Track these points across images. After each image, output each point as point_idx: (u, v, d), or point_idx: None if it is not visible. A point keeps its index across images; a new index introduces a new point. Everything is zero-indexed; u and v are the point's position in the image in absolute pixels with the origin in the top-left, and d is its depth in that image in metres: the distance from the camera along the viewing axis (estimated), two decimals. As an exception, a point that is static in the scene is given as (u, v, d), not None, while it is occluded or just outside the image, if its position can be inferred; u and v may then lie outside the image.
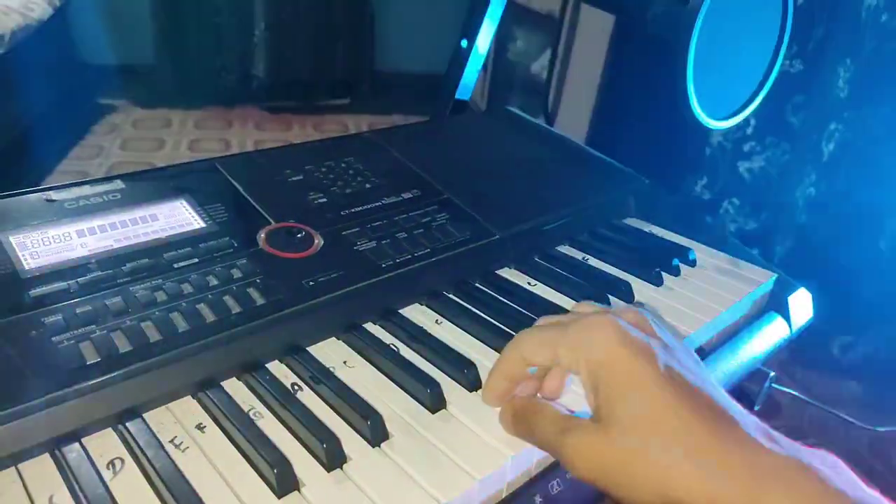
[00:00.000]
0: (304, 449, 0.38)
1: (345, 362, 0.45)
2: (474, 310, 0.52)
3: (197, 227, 0.52)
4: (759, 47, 0.67)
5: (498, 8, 0.82)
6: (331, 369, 0.44)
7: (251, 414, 0.40)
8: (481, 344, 0.48)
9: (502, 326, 0.49)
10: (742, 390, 0.63)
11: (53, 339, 0.40)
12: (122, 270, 0.46)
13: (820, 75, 1.37)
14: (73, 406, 0.37)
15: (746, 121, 1.45)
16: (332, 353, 0.46)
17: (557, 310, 0.53)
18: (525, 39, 2.15)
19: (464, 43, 0.83)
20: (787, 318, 0.61)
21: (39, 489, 0.35)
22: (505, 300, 0.54)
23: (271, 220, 0.54)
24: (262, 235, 0.52)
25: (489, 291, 0.55)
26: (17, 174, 1.82)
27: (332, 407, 0.41)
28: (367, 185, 0.62)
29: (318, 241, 0.53)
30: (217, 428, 0.39)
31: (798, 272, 0.65)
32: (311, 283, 0.48)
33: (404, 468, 0.37)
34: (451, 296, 0.54)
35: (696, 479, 0.30)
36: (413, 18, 2.63)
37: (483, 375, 0.44)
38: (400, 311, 0.52)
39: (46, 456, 0.36)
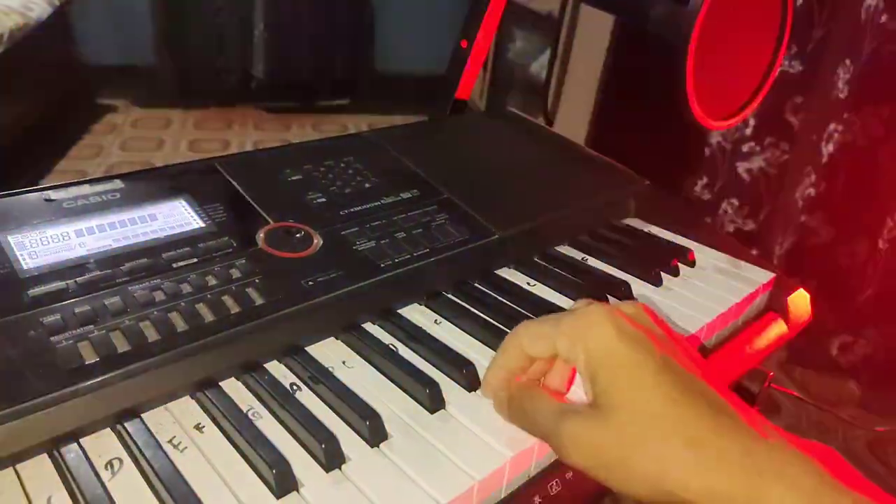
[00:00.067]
0: (302, 449, 0.38)
1: (344, 362, 0.45)
2: (473, 310, 0.52)
3: (196, 226, 0.52)
4: (759, 47, 0.67)
5: (497, 8, 0.82)
6: (330, 369, 0.44)
7: (250, 414, 0.40)
8: (480, 344, 0.48)
9: (501, 326, 0.49)
10: (741, 390, 0.63)
11: (52, 338, 0.40)
12: (121, 270, 0.46)
13: (819, 76, 1.37)
14: (71, 406, 0.37)
15: (746, 121, 1.45)
16: (330, 353, 0.46)
17: (557, 310, 0.52)
18: (525, 39, 2.15)
19: (463, 43, 0.83)
20: (785, 318, 0.61)
21: (37, 490, 0.34)
22: (504, 300, 0.54)
23: (270, 220, 0.54)
24: (261, 235, 0.52)
25: (488, 291, 0.55)
26: (16, 173, 1.82)
27: (330, 407, 0.41)
28: (367, 185, 0.62)
29: (317, 241, 0.53)
30: (216, 428, 0.39)
31: (797, 272, 0.65)
32: (309, 283, 0.48)
33: (403, 468, 0.37)
34: (450, 296, 0.54)
35: (694, 470, 0.30)
36: (412, 18, 2.63)
37: (482, 375, 0.44)
38: (399, 311, 0.51)
39: (44, 456, 0.36)
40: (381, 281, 0.51)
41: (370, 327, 0.49)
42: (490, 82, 2.36)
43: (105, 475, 0.35)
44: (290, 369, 0.44)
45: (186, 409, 0.40)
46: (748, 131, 1.48)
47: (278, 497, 0.35)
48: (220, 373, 0.43)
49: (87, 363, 0.39)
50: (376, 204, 0.59)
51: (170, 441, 0.38)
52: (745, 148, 1.49)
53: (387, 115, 2.53)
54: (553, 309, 0.53)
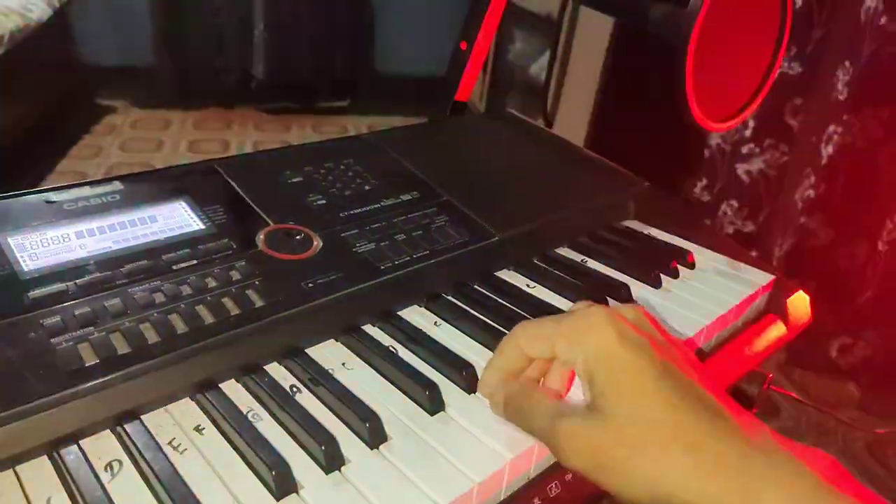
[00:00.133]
0: (302, 451, 0.38)
1: (343, 364, 0.45)
2: (473, 312, 0.52)
3: (196, 228, 0.52)
4: (759, 49, 0.67)
5: (497, 10, 0.82)
6: (329, 371, 0.44)
7: (249, 416, 0.40)
8: (480, 346, 0.48)
9: (501, 328, 0.49)
10: (740, 392, 0.63)
11: (52, 340, 0.40)
12: (121, 272, 0.46)
13: (819, 77, 1.37)
14: (71, 408, 0.37)
15: (745, 123, 1.45)
16: (330, 355, 0.46)
17: (556, 311, 0.53)
18: (524, 41, 2.15)
19: (463, 45, 0.83)
20: (785, 319, 0.61)
21: (37, 491, 0.34)
22: (504, 302, 0.54)
23: (270, 222, 0.54)
24: (261, 237, 0.52)
25: (488, 293, 0.55)
26: (17, 175, 1.82)
27: (330, 409, 0.41)
28: (366, 187, 0.62)
29: (317, 243, 0.53)
30: (215, 430, 0.39)
31: (796, 274, 0.65)
32: (309, 285, 0.48)
33: (403, 470, 0.37)
34: (449, 298, 0.54)
35: (692, 476, 0.30)
36: (412, 20, 2.63)
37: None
38: (399, 312, 0.52)
39: (44, 458, 0.36)
40: (381, 283, 0.51)
41: (370, 329, 0.49)
42: (490, 84, 2.36)
43: (105, 477, 0.35)
44: (290, 371, 0.44)
45: (186, 410, 0.41)
46: (748, 133, 1.48)
47: (278, 499, 0.35)
48: (219, 374, 0.43)
49: (87, 365, 0.39)
50: (376, 206, 0.59)
51: (169, 443, 0.38)
52: (744, 149, 1.49)
53: (387, 117, 2.53)
54: (553, 310, 0.53)
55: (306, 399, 0.42)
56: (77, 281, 0.44)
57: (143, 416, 0.39)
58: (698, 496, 0.30)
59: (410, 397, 0.43)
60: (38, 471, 0.36)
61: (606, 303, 0.54)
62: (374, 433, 0.39)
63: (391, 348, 0.47)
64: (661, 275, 0.59)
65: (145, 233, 0.51)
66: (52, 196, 0.53)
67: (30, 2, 1.89)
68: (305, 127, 2.55)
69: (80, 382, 0.38)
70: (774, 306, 0.62)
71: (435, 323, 0.51)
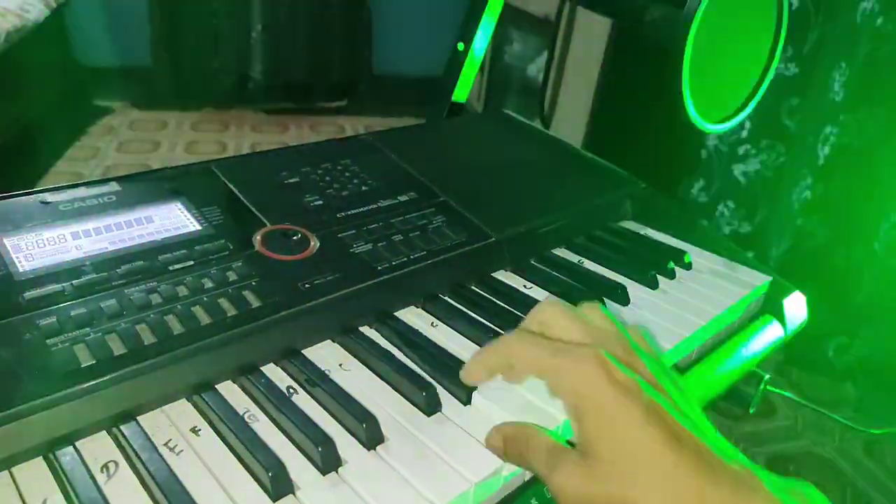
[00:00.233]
0: (299, 452, 0.38)
1: (340, 365, 0.45)
2: (470, 312, 0.52)
3: (192, 229, 0.52)
4: (755, 50, 0.68)
5: (495, 11, 0.83)
6: (326, 372, 0.44)
7: (246, 417, 0.40)
8: (477, 347, 0.48)
9: (498, 329, 0.49)
10: (737, 392, 0.63)
11: (48, 341, 0.40)
12: (117, 273, 0.46)
13: (815, 78, 1.38)
14: (67, 409, 0.37)
15: (742, 124, 1.45)
16: (327, 355, 0.46)
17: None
18: (522, 42, 2.16)
19: (460, 46, 0.83)
20: (782, 320, 0.61)
21: (33, 493, 0.34)
22: (501, 303, 0.54)
23: (267, 223, 0.54)
24: (258, 238, 0.52)
25: (485, 294, 0.55)
26: (13, 175, 1.82)
27: (327, 410, 0.41)
28: (364, 188, 0.62)
29: (314, 244, 0.53)
30: (212, 431, 0.39)
31: (793, 274, 0.65)
32: (306, 286, 0.48)
33: (399, 471, 0.37)
34: (447, 298, 0.54)
35: None
36: (410, 21, 2.64)
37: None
38: (396, 313, 0.51)
39: (40, 459, 0.36)
40: (378, 284, 0.51)
41: (367, 330, 0.49)
42: (487, 84, 2.37)
43: (101, 478, 0.35)
44: (287, 372, 0.44)
45: (183, 411, 0.40)
46: (744, 134, 1.48)
47: (274, 500, 0.35)
48: (216, 375, 0.43)
49: (83, 366, 0.39)
50: (373, 206, 0.59)
51: (166, 444, 0.38)
52: (741, 150, 1.50)
53: (384, 118, 2.54)
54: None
55: (303, 400, 0.42)
56: (73, 282, 0.44)
57: (139, 417, 0.39)
58: None
59: (407, 398, 0.43)
60: (34, 472, 0.36)
61: (603, 304, 0.54)
62: (370, 434, 0.39)
63: (388, 349, 0.47)
64: (658, 275, 0.59)
65: (142, 234, 0.51)
66: (49, 197, 0.52)
67: (27, 2, 1.89)
68: (303, 128, 2.55)
69: (76, 383, 0.38)
70: (771, 307, 0.62)
71: (432, 324, 0.51)
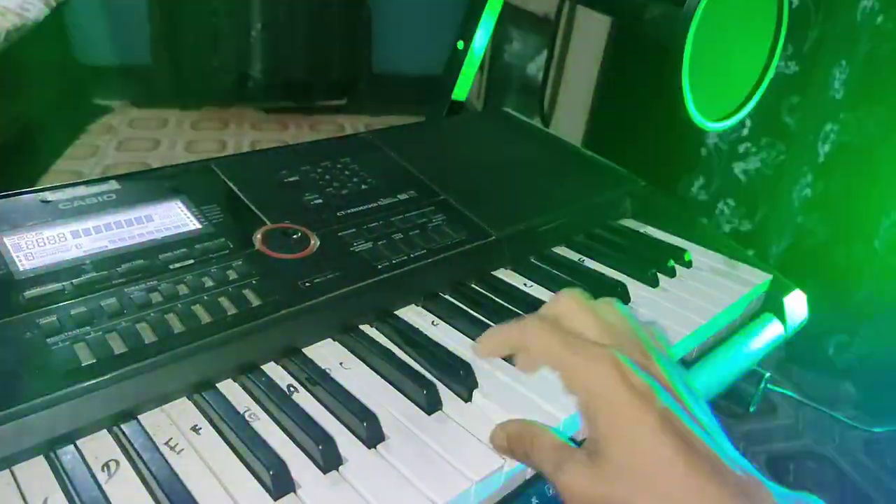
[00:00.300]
0: (299, 450, 0.38)
1: (341, 364, 0.45)
2: (470, 311, 0.52)
3: (192, 227, 0.52)
4: (755, 48, 0.68)
5: (494, 9, 0.83)
6: (327, 371, 0.44)
7: (247, 415, 0.40)
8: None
9: (498, 327, 0.49)
10: (737, 391, 0.63)
11: (48, 340, 0.40)
12: (117, 271, 0.46)
13: (815, 76, 1.38)
14: (67, 408, 0.37)
15: (742, 122, 1.45)
16: (328, 354, 0.46)
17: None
18: (521, 41, 2.15)
19: (460, 44, 0.83)
20: (782, 318, 0.61)
21: (34, 492, 0.34)
22: (501, 301, 0.54)
23: (267, 221, 0.54)
24: (258, 236, 0.52)
25: (485, 293, 0.55)
26: (13, 174, 1.82)
27: (327, 408, 0.41)
28: (364, 186, 0.62)
29: (314, 242, 0.53)
30: (212, 430, 0.39)
31: (793, 273, 0.65)
32: (306, 285, 0.48)
33: (400, 470, 0.37)
34: (447, 297, 0.54)
35: None
36: (410, 20, 2.63)
37: (479, 376, 0.44)
38: (396, 312, 0.52)
39: (41, 458, 0.36)
40: (379, 282, 0.51)
41: (367, 329, 0.49)
42: (487, 83, 2.37)
43: (102, 477, 0.35)
44: (287, 371, 0.44)
45: (183, 410, 0.40)
46: (744, 132, 1.48)
47: (275, 499, 0.35)
48: (216, 374, 0.43)
49: (83, 364, 0.39)
50: (373, 205, 0.59)
51: (166, 443, 0.38)
52: (741, 148, 1.49)
53: (384, 116, 2.53)
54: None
55: (304, 398, 0.42)
56: (73, 280, 0.44)
57: (139, 416, 0.39)
58: None
59: (408, 396, 0.43)
60: (35, 471, 0.36)
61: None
62: (371, 433, 0.39)
63: (388, 348, 0.47)
64: (658, 273, 0.59)
65: (142, 232, 0.50)
66: (49, 195, 0.52)
67: (27, 1, 1.89)
68: (302, 126, 2.55)
69: (77, 382, 0.38)
70: (772, 305, 0.62)
71: (432, 322, 0.51)
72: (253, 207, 0.56)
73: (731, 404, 0.63)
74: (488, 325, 0.49)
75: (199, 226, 0.52)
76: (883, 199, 1.35)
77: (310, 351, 0.46)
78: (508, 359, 0.46)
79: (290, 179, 0.61)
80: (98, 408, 0.38)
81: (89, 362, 0.39)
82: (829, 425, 1.38)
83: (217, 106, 2.55)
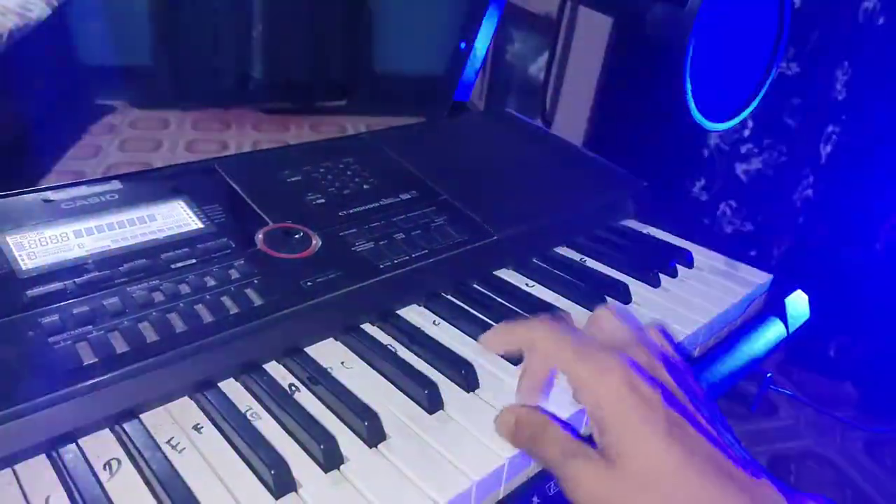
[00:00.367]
0: (301, 450, 0.38)
1: (342, 363, 0.45)
2: (472, 311, 0.52)
3: (195, 227, 0.52)
4: (757, 49, 0.68)
5: (496, 10, 0.83)
6: (328, 370, 0.44)
7: (248, 415, 0.40)
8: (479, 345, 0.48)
9: (500, 327, 0.49)
10: (739, 391, 0.63)
11: (50, 339, 0.40)
12: (120, 271, 0.46)
13: (817, 78, 1.38)
14: (69, 407, 0.37)
15: (744, 123, 1.45)
16: (329, 353, 0.46)
17: (555, 311, 0.53)
18: (523, 41, 2.15)
19: (462, 45, 0.83)
20: (783, 319, 0.61)
21: (36, 490, 0.34)
22: (503, 301, 0.54)
23: (269, 221, 0.54)
24: (260, 236, 0.52)
25: (487, 293, 0.55)
26: (15, 174, 1.82)
27: (329, 408, 0.41)
28: (365, 186, 0.62)
29: (316, 242, 0.53)
30: (214, 429, 0.39)
31: (795, 274, 0.65)
32: (308, 284, 0.48)
33: (401, 469, 0.37)
34: (449, 297, 0.54)
35: None
36: (411, 20, 2.63)
37: (481, 376, 0.44)
38: (398, 312, 0.52)
39: (43, 457, 0.36)
40: (380, 282, 0.51)
41: (369, 328, 0.49)
42: (489, 83, 2.36)
43: (103, 476, 0.35)
44: (289, 370, 0.44)
45: (185, 409, 0.41)
46: (746, 133, 1.48)
47: (277, 498, 0.35)
48: (218, 373, 0.43)
49: (85, 364, 0.39)
50: (375, 205, 0.59)
51: (168, 441, 0.38)
52: (743, 149, 1.49)
53: (385, 117, 2.53)
54: (552, 310, 0.53)
55: (305, 398, 0.42)
56: (75, 280, 0.44)
57: (141, 415, 0.39)
58: None
59: (409, 396, 0.43)
60: (37, 470, 0.36)
61: (605, 301, 0.54)
62: (372, 432, 0.39)
63: (390, 347, 0.47)
64: (660, 274, 0.59)
65: (144, 232, 0.51)
66: (51, 195, 0.53)
67: (29, 1, 1.89)
68: (304, 126, 2.55)
69: (79, 381, 0.38)
70: (773, 306, 0.62)
71: (434, 322, 0.51)
72: (255, 207, 0.56)
73: (732, 405, 0.63)
74: (490, 325, 0.49)
75: (201, 225, 0.52)
76: (884, 200, 1.34)
77: (311, 350, 0.46)
78: (510, 359, 0.46)
79: (292, 179, 0.61)
80: (100, 407, 0.38)
81: (91, 361, 0.39)
82: (830, 426, 1.38)
83: (218, 107, 2.55)
